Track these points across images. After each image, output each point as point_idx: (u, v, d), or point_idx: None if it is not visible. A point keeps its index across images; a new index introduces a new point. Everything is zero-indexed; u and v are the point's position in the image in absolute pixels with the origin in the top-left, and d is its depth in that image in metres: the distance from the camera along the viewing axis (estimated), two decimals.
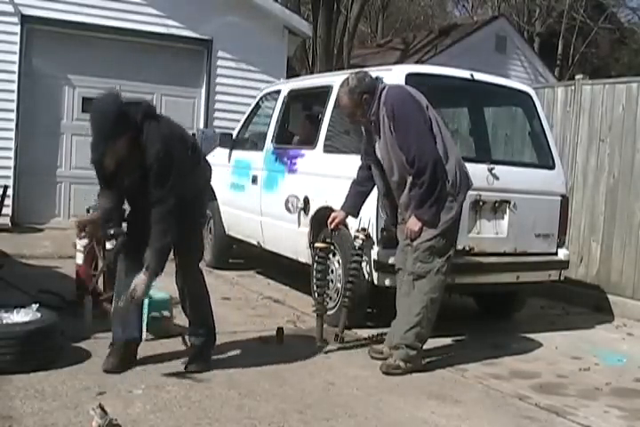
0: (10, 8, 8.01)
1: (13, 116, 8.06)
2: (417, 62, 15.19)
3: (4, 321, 3.83)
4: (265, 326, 4.89)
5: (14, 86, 8.05)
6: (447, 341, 4.87)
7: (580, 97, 6.88)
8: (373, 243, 4.73)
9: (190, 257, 4.03)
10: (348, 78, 4.23)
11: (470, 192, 4.37)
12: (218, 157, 7.29)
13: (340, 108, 4.43)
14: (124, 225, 4.05)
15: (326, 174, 5.33)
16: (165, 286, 5.33)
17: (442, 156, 4.08)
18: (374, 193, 4.55)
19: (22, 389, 3.43)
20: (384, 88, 4.17)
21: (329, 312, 4.80)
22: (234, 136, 7.00)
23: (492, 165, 5.07)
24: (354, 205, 4.52)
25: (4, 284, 5.09)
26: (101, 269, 4.95)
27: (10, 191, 7.59)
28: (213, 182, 7.24)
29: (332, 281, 5.07)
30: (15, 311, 3.94)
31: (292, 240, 5.71)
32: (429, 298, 4.13)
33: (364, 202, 4.55)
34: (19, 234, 7.77)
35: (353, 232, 4.75)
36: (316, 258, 4.78)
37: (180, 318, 4.70)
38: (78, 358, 3.94)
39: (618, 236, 6.44)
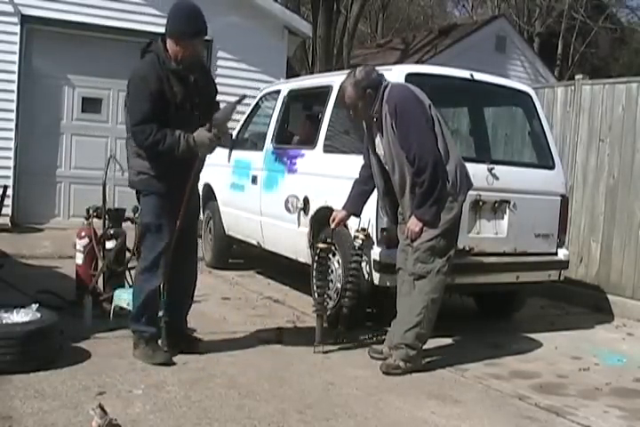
0: (10, 8, 8.01)
1: (13, 116, 8.07)
2: (417, 62, 15.19)
3: (4, 321, 3.84)
4: (265, 326, 4.89)
5: (14, 86, 8.06)
6: (447, 341, 4.87)
7: (579, 97, 6.88)
8: (373, 243, 4.73)
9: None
10: (355, 70, 4.25)
11: (470, 192, 4.37)
12: (218, 157, 7.30)
13: (341, 99, 4.43)
14: None
15: (326, 174, 5.33)
16: None
17: (442, 156, 4.08)
18: (375, 193, 4.55)
19: (22, 389, 3.43)
20: (387, 86, 4.18)
21: (329, 312, 4.80)
22: (234, 136, 7.00)
23: (491, 165, 5.07)
24: (356, 204, 4.52)
25: (3, 284, 5.09)
26: (101, 269, 4.96)
27: (10, 191, 7.58)
28: (213, 182, 7.30)
29: (332, 281, 5.07)
30: (15, 311, 3.94)
31: (292, 240, 5.71)
32: (430, 298, 4.13)
33: (366, 201, 4.54)
34: (19, 234, 7.77)
35: (353, 232, 4.75)
36: (316, 258, 4.78)
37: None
38: (78, 358, 3.94)
39: (618, 236, 6.44)
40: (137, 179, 4.03)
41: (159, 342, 4.12)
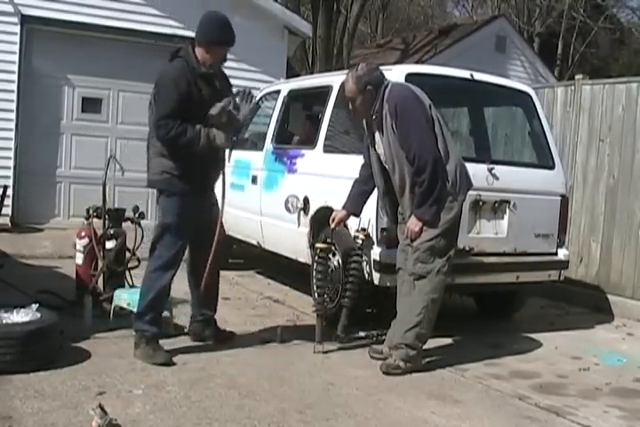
0: (10, 8, 8.01)
1: (13, 116, 8.06)
2: (417, 62, 15.19)
3: (4, 321, 3.84)
4: (265, 326, 4.89)
5: (14, 86, 8.05)
6: (447, 341, 4.87)
7: (579, 97, 6.88)
8: (373, 243, 4.73)
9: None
10: (358, 65, 4.26)
11: (470, 192, 4.37)
12: None
13: (342, 94, 4.44)
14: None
15: (326, 174, 5.33)
16: None
17: (442, 155, 4.08)
18: (375, 192, 4.55)
19: (22, 389, 3.43)
20: (388, 85, 4.18)
21: (329, 312, 4.79)
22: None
23: (491, 165, 5.07)
24: (356, 204, 4.52)
25: (3, 284, 5.09)
26: (101, 269, 4.96)
27: (10, 191, 7.59)
28: None
29: (332, 281, 5.07)
30: (15, 311, 3.94)
31: (292, 240, 5.70)
32: (430, 298, 4.13)
33: (366, 201, 4.54)
34: (19, 234, 7.76)
35: (353, 232, 4.75)
36: (316, 258, 4.77)
37: (181, 318, 4.71)
38: (78, 358, 3.94)
39: (618, 236, 6.44)
40: (160, 178, 4.12)
41: (159, 342, 4.15)
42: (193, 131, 3.98)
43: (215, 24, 4.20)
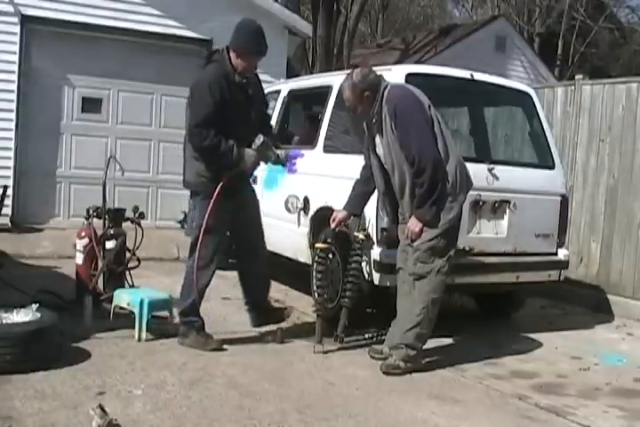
0: (10, 8, 7.99)
1: (13, 116, 8.05)
2: (417, 62, 15.18)
3: (4, 321, 3.84)
4: (265, 326, 4.88)
5: (14, 86, 8.03)
6: (447, 341, 4.87)
7: (579, 97, 6.88)
8: (373, 243, 4.73)
9: None
10: (352, 72, 4.24)
11: (470, 192, 4.37)
12: None
13: (342, 100, 4.44)
14: None
15: (326, 174, 5.33)
16: (166, 286, 5.33)
17: (442, 156, 4.07)
18: (375, 193, 4.55)
19: (22, 389, 3.43)
20: (387, 86, 4.17)
21: (329, 312, 4.79)
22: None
23: (491, 165, 5.07)
24: (356, 204, 4.52)
25: (3, 284, 5.09)
26: (101, 269, 4.96)
27: (10, 191, 7.57)
28: None
29: (332, 281, 5.06)
30: (15, 311, 3.94)
31: (292, 240, 5.70)
32: (430, 298, 4.13)
33: (366, 202, 4.54)
34: (18, 234, 7.75)
35: (353, 232, 4.74)
36: (316, 258, 4.77)
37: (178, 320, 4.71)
38: (78, 358, 3.94)
39: (618, 236, 6.44)
40: (195, 181, 4.36)
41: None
42: (226, 146, 4.15)
43: (252, 34, 4.28)
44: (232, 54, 4.26)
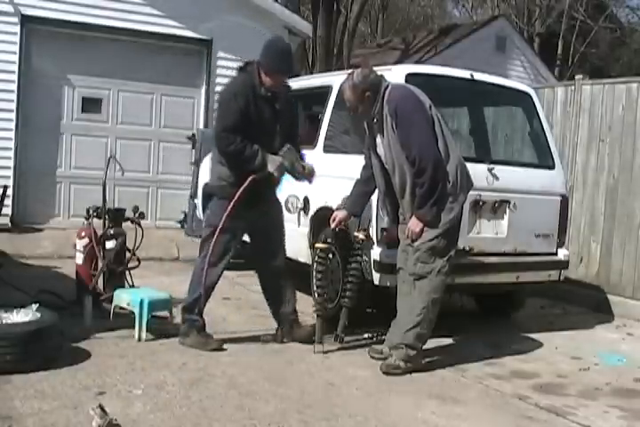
0: (10, 8, 8.00)
1: (13, 116, 8.05)
2: (417, 62, 15.18)
3: (4, 321, 3.84)
4: (265, 326, 4.88)
5: (14, 86, 8.04)
6: (447, 341, 4.87)
7: (579, 97, 6.88)
8: (373, 243, 4.73)
9: None
10: (353, 73, 4.23)
11: (470, 192, 4.37)
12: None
13: (342, 100, 4.44)
14: None
15: (326, 174, 5.30)
16: (166, 286, 5.34)
17: (443, 156, 4.07)
18: (375, 193, 4.54)
19: (22, 389, 3.43)
20: (388, 86, 4.17)
21: (329, 312, 4.79)
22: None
23: (491, 165, 5.07)
24: (356, 204, 4.51)
25: (4, 284, 5.09)
26: (101, 269, 4.96)
27: (10, 191, 7.57)
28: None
29: (332, 281, 5.06)
30: (15, 311, 3.94)
31: (292, 240, 5.69)
32: (430, 298, 4.13)
33: (367, 202, 4.54)
34: (18, 234, 7.76)
35: (353, 232, 4.74)
36: (316, 258, 4.78)
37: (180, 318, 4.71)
38: (78, 358, 3.94)
39: (618, 236, 6.44)
40: (215, 184, 4.48)
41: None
42: (251, 150, 4.23)
43: (279, 53, 4.33)
44: (261, 69, 4.34)
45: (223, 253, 4.40)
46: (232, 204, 4.24)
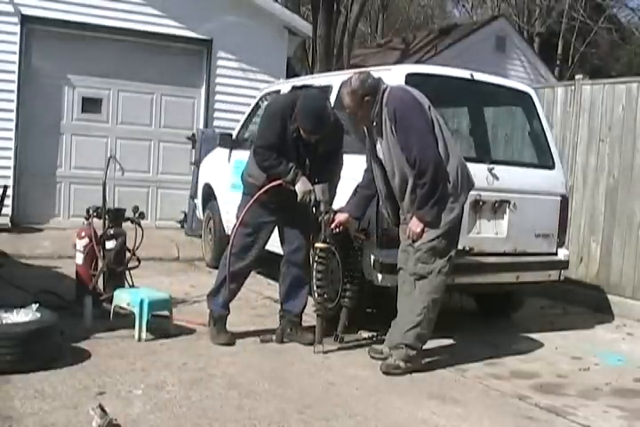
0: (10, 8, 8.00)
1: (13, 116, 8.05)
2: (417, 62, 15.18)
3: (4, 321, 3.84)
4: (265, 326, 4.89)
5: (14, 86, 8.04)
6: (447, 341, 4.87)
7: (579, 97, 6.88)
8: (373, 243, 4.72)
9: None
10: (350, 78, 4.20)
11: (470, 192, 4.36)
12: (218, 157, 7.30)
13: (341, 106, 4.43)
14: None
15: None
16: (166, 286, 5.34)
17: (443, 157, 4.07)
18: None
19: (22, 389, 3.43)
20: (386, 89, 4.16)
21: (329, 312, 4.79)
22: (234, 136, 6.99)
23: (491, 165, 5.07)
24: (358, 207, 4.50)
25: (3, 284, 5.09)
26: (101, 269, 4.95)
27: (10, 191, 7.58)
28: (214, 182, 7.28)
29: (332, 281, 5.06)
30: (15, 311, 3.94)
31: None
32: (431, 298, 4.13)
33: (368, 205, 4.53)
34: (18, 234, 7.76)
35: (353, 233, 4.74)
36: (316, 258, 4.77)
37: (180, 318, 4.71)
38: (78, 358, 3.94)
39: (618, 236, 6.44)
40: (247, 180, 4.64)
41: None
42: (285, 167, 4.36)
43: (308, 114, 4.29)
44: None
45: (244, 246, 4.52)
46: (250, 202, 4.44)
